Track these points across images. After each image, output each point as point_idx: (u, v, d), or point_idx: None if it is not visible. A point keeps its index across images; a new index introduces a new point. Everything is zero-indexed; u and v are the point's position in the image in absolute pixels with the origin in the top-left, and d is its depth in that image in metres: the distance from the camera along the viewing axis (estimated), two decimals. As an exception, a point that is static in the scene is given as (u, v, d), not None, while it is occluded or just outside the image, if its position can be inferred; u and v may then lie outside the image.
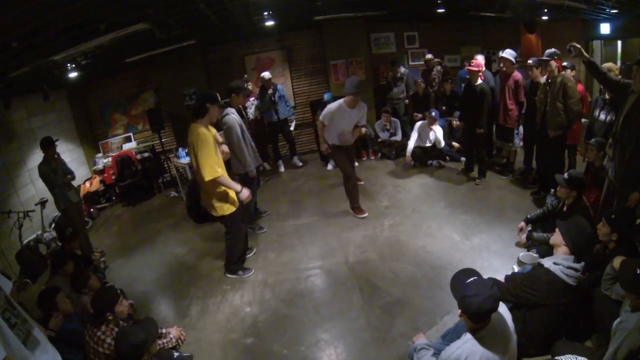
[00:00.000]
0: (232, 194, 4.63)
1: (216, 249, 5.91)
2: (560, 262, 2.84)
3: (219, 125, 5.21)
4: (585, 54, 4.07)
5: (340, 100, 5.77)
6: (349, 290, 4.54)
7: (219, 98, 4.65)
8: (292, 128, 8.89)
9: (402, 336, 3.69)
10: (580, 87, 5.86)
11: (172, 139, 9.64)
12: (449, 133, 8.09)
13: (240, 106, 5.94)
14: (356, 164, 8.48)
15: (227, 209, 4.63)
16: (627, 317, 2.44)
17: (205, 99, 4.44)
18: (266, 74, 8.31)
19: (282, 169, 8.99)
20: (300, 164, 9.11)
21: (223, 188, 4.51)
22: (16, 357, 2.39)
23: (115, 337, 2.84)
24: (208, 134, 4.33)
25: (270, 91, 8.25)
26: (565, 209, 4.28)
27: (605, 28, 7.07)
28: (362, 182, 7.17)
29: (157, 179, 9.22)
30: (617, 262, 2.75)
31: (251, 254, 5.56)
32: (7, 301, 2.57)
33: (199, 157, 4.24)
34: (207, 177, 4.25)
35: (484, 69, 6.46)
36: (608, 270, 2.86)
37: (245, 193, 4.62)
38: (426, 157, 7.93)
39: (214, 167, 4.27)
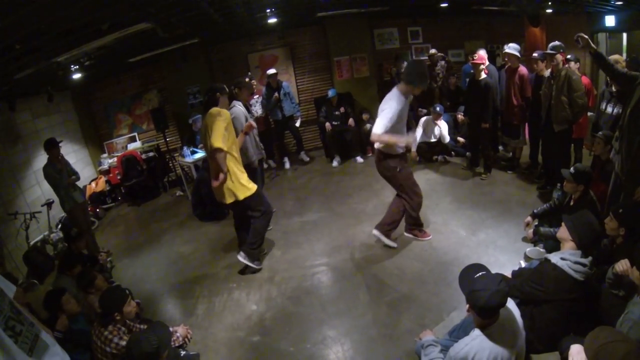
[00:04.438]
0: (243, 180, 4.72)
1: (222, 248, 5.94)
2: (567, 258, 2.82)
3: None
4: (593, 45, 4.03)
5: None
6: (356, 287, 4.53)
7: (227, 89, 4.79)
8: (297, 124, 8.87)
9: (409, 332, 3.68)
10: (585, 79, 5.81)
11: (176, 138, 9.65)
12: (453, 128, 8.05)
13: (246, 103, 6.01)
14: (361, 160, 8.49)
15: (249, 190, 4.69)
16: (633, 308, 2.42)
17: (214, 90, 4.67)
18: (271, 70, 8.32)
19: (287, 165, 9.00)
20: (307, 159, 9.12)
21: (240, 169, 4.66)
22: None
23: (129, 345, 2.83)
24: (224, 110, 4.55)
25: (275, 94, 8.25)
26: (572, 203, 4.24)
27: (610, 20, 7.02)
28: None
29: (162, 178, 9.25)
30: (618, 267, 2.73)
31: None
32: (12, 308, 2.55)
33: (212, 128, 4.38)
34: (215, 144, 4.32)
35: (487, 62, 6.41)
36: (609, 274, 2.83)
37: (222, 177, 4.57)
38: (431, 153, 7.91)
39: (219, 138, 4.35)
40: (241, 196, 4.62)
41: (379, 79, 9.98)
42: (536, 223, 4.69)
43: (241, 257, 5.02)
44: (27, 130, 7.23)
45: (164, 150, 9.21)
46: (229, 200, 4.66)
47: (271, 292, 4.71)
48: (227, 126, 4.50)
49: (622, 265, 2.68)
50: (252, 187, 4.76)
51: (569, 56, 5.72)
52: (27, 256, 5.96)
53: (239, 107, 5.52)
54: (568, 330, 2.84)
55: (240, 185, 4.63)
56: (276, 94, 8.25)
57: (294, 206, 6.94)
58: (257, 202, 4.84)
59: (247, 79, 6.44)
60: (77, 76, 6.61)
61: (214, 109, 4.49)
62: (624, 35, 7.48)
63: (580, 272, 2.75)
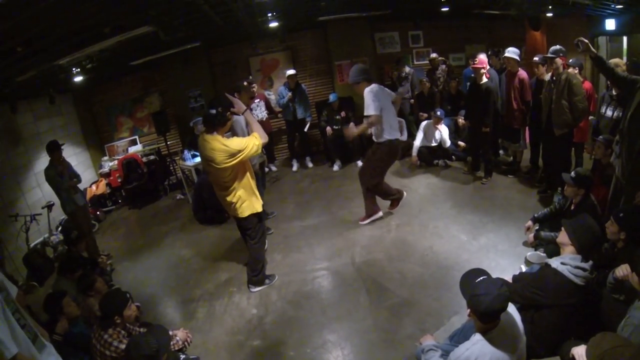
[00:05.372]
0: (255, 194, 4.54)
1: (223, 251, 5.94)
2: (567, 262, 2.81)
3: None
4: (593, 49, 4.03)
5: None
6: (356, 292, 4.52)
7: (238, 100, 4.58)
8: (306, 129, 8.88)
9: (410, 337, 3.67)
10: (587, 84, 5.81)
11: (177, 141, 9.66)
12: (454, 132, 8.05)
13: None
14: (361, 164, 8.46)
15: (253, 208, 4.48)
16: (634, 313, 2.41)
17: (225, 108, 4.22)
18: (290, 71, 8.42)
19: (295, 167, 9.04)
20: (311, 164, 9.13)
21: (249, 187, 4.43)
22: (26, 355, 2.41)
23: (128, 348, 2.83)
24: (226, 139, 4.19)
25: (289, 94, 8.29)
26: (572, 207, 4.24)
27: (610, 24, 7.00)
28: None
29: (163, 181, 9.24)
30: (618, 272, 2.73)
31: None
32: (14, 305, 2.60)
33: (241, 148, 4.09)
34: (263, 140, 4.23)
35: (488, 67, 6.42)
36: (610, 279, 2.83)
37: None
38: (432, 157, 7.90)
39: (252, 141, 4.16)
40: (247, 212, 4.45)
41: (380, 83, 9.93)
42: (537, 227, 4.67)
43: (253, 290, 4.87)
44: (29, 133, 7.25)
45: (164, 153, 9.21)
46: (242, 214, 4.46)
47: (271, 296, 4.71)
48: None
49: (622, 270, 2.68)
50: (259, 206, 4.60)
51: (570, 61, 5.72)
52: (27, 258, 5.97)
53: None
54: (569, 335, 2.84)
55: (248, 203, 4.44)
56: (289, 94, 8.27)
57: (294, 210, 6.94)
58: (257, 225, 4.64)
59: (245, 83, 6.40)
60: (78, 79, 6.61)
61: (216, 143, 4.07)
62: (625, 38, 7.48)
63: (580, 277, 2.75)
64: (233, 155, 4.08)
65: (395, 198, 6.06)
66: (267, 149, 8.66)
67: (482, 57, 6.38)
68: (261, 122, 8.27)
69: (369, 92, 5.27)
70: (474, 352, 2.36)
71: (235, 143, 4.15)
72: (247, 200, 4.43)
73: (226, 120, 4.23)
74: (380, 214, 6.01)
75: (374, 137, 5.69)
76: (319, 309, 4.35)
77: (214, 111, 4.15)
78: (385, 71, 10.05)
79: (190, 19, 5.75)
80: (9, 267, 5.82)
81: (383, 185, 5.88)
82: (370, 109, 5.25)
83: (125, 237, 7.35)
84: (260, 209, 4.59)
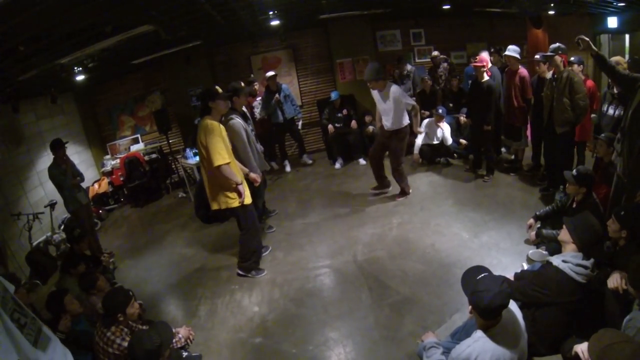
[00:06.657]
0: (245, 188, 4.62)
1: (224, 249, 5.94)
2: (569, 260, 2.82)
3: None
4: (594, 47, 4.02)
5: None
6: (358, 289, 4.53)
7: (219, 90, 4.61)
8: (299, 127, 8.87)
9: (411, 335, 3.67)
10: (590, 83, 5.80)
11: (179, 139, 9.68)
12: (456, 130, 8.04)
13: (245, 108, 5.94)
14: (364, 162, 8.47)
15: (234, 201, 4.58)
16: (637, 314, 2.41)
17: (206, 98, 4.46)
18: (270, 73, 8.31)
19: (288, 168, 8.97)
20: (310, 161, 9.12)
21: (221, 184, 4.54)
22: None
23: (131, 342, 2.84)
24: (216, 124, 4.39)
25: (276, 96, 8.23)
26: (574, 205, 4.24)
27: (612, 22, 7.00)
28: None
29: (165, 179, 9.26)
30: (610, 283, 2.74)
31: (267, 252, 5.55)
32: (15, 301, 2.58)
33: (209, 144, 4.29)
34: (216, 162, 4.27)
35: (489, 65, 6.41)
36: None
37: (254, 175, 4.88)
38: (434, 155, 7.89)
39: (222, 154, 4.30)
40: (232, 205, 4.58)
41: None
42: (539, 225, 4.68)
43: (240, 273, 5.15)
44: (31, 132, 7.26)
45: (166, 151, 9.23)
46: (227, 205, 4.60)
47: (273, 293, 4.71)
48: (223, 139, 4.43)
49: (614, 281, 2.69)
50: (244, 200, 4.64)
51: (572, 58, 5.70)
52: (30, 257, 5.97)
53: (237, 119, 5.22)
54: (570, 333, 2.85)
55: (232, 196, 4.57)
56: (277, 96, 8.22)
57: (296, 208, 6.94)
58: (244, 216, 4.82)
59: (242, 84, 6.35)
60: (80, 78, 6.62)
61: (206, 120, 4.38)
62: (627, 36, 7.47)
63: (582, 275, 2.75)
64: (205, 133, 4.31)
65: (406, 187, 6.61)
66: (267, 146, 8.65)
67: (484, 55, 6.37)
68: (262, 121, 8.30)
69: (400, 90, 6.03)
70: (475, 349, 2.37)
71: (214, 129, 4.34)
72: (218, 194, 4.58)
73: (209, 110, 4.43)
74: (410, 191, 6.68)
75: (393, 126, 6.19)
76: (320, 306, 4.36)
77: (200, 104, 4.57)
78: (386, 69, 10.00)
79: (191, 18, 5.76)
80: (12, 266, 5.85)
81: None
82: (410, 100, 6.13)
83: (127, 236, 7.37)
84: (237, 203, 4.64)
